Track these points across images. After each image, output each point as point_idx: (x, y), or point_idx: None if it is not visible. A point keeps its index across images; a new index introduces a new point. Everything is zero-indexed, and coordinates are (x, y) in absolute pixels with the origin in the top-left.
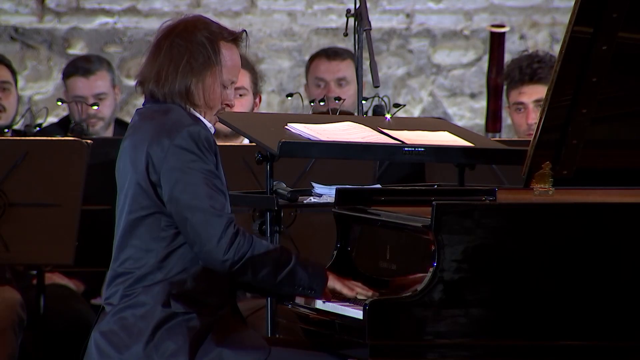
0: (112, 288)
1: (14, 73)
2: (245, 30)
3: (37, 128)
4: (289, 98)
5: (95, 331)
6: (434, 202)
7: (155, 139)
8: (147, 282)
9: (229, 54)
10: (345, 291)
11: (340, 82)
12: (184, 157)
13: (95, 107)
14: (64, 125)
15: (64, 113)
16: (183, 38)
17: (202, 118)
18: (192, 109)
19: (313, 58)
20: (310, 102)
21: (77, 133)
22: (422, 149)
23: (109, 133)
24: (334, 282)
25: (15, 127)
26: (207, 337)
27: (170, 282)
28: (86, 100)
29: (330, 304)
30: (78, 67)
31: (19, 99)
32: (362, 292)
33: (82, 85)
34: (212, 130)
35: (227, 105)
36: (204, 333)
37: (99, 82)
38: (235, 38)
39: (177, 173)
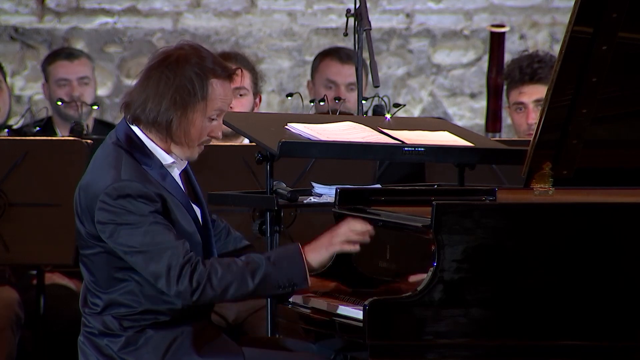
0: (83, 308)
1: (2, 70)
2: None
3: (37, 128)
4: (289, 98)
5: (78, 348)
6: (434, 202)
7: (90, 192)
8: (112, 312)
9: (219, 90)
10: (347, 247)
11: (351, 86)
12: (112, 212)
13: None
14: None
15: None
16: (172, 71)
17: (161, 156)
18: (172, 143)
19: (323, 58)
20: (311, 101)
21: (77, 133)
22: (422, 149)
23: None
24: (335, 245)
25: (15, 127)
26: (181, 349)
27: (135, 311)
28: (70, 84)
29: (330, 304)
30: (60, 53)
31: (11, 95)
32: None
33: (66, 70)
34: (181, 165)
35: (213, 137)
36: (177, 345)
37: (83, 67)
38: (228, 75)
39: (110, 227)
